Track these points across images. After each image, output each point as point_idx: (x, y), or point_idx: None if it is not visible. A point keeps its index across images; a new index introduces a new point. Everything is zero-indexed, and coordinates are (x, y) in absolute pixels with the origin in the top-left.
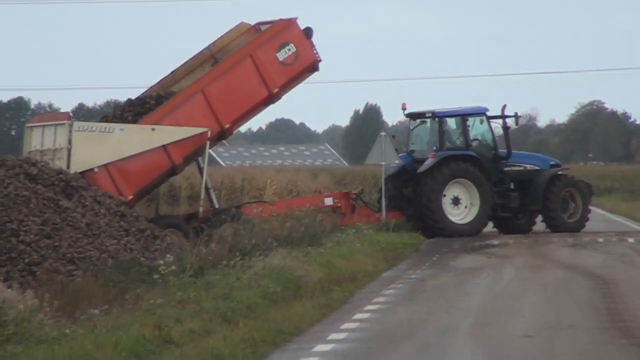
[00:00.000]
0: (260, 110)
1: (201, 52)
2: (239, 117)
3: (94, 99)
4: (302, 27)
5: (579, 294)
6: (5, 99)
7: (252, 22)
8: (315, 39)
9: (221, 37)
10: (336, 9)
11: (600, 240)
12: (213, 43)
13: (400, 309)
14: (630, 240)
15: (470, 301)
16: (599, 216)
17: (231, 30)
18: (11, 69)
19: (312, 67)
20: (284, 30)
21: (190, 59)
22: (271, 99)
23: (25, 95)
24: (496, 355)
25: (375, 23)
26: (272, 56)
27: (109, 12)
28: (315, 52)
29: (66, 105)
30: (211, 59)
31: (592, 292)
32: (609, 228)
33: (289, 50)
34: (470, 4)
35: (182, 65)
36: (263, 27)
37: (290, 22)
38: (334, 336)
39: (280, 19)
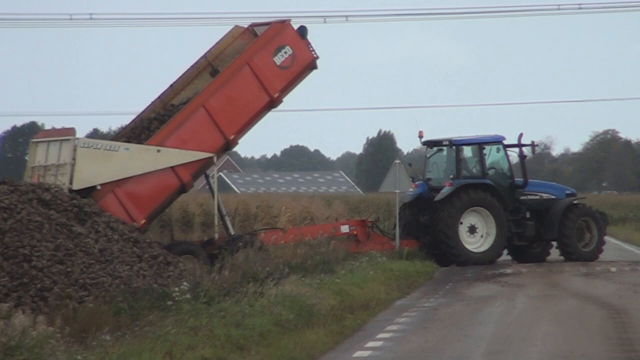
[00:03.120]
0: (264, 115)
1: (198, 61)
2: (243, 127)
3: (109, 124)
4: (296, 27)
5: (592, 324)
6: (19, 124)
7: (246, 25)
8: (330, 67)
9: (216, 43)
10: (350, 38)
11: (613, 269)
12: (209, 51)
13: (414, 337)
14: None
15: (483, 330)
16: (612, 245)
17: (225, 35)
18: (25, 94)
19: (311, 65)
20: (278, 33)
21: (188, 69)
22: (272, 103)
23: (39, 120)
24: None
25: (390, 52)
26: (269, 61)
27: (123, 39)
28: (312, 50)
29: (80, 130)
30: (208, 67)
31: (605, 322)
32: (622, 257)
33: (286, 53)
34: (486, 34)
35: (180, 77)
36: (257, 29)
37: (284, 25)
38: None
39: (274, 22)
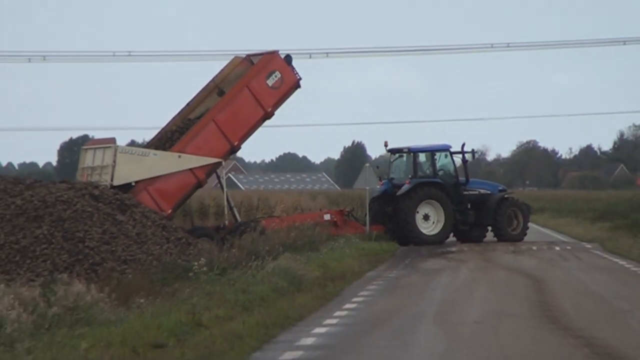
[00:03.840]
0: (260, 125)
1: (207, 84)
2: (244, 135)
3: (143, 136)
4: (283, 56)
5: (518, 290)
6: (74, 136)
7: (244, 55)
8: (315, 92)
9: (221, 70)
10: (331, 70)
11: (534, 248)
12: (216, 76)
13: (380, 300)
14: (557, 248)
15: (434, 295)
16: (533, 230)
17: (228, 63)
18: (79, 114)
19: (296, 85)
20: (269, 62)
21: (200, 91)
22: (267, 116)
23: (90, 133)
24: (454, 337)
25: (362, 80)
26: (263, 84)
27: (153, 70)
28: (296, 74)
29: (121, 141)
30: (216, 88)
31: (528, 288)
32: (541, 239)
33: (276, 76)
34: (438, 67)
35: (194, 97)
36: (253, 58)
37: (274, 55)
38: (328, 321)
39: (265, 54)
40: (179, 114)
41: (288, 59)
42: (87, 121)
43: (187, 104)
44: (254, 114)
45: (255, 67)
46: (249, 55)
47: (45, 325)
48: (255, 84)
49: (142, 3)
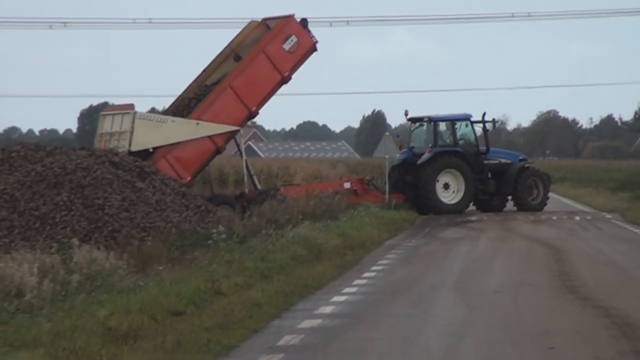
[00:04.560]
0: (277, 90)
1: (223, 50)
2: (262, 100)
3: (164, 104)
4: (298, 19)
5: (537, 259)
6: (95, 103)
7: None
8: (335, 59)
9: (237, 35)
10: (351, 38)
11: (554, 218)
12: (232, 41)
13: (399, 269)
14: (577, 218)
15: (453, 264)
16: (553, 199)
17: (243, 29)
18: (100, 81)
19: (312, 49)
20: (285, 26)
21: (216, 56)
22: (284, 80)
23: (110, 100)
24: (473, 306)
25: (383, 48)
26: (280, 48)
27: (172, 38)
28: (312, 37)
29: (141, 108)
30: (232, 53)
31: (547, 258)
32: (561, 209)
33: (292, 40)
34: (458, 35)
35: (210, 63)
36: (269, 22)
37: (290, 19)
38: (347, 290)
39: (282, 18)
40: (195, 80)
41: (304, 22)
42: (107, 88)
43: (204, 70)
44: (271, 79)
45: (271, 32)
46: (264, 20)
47: (63, 292)
48: (272, 48)
49: None
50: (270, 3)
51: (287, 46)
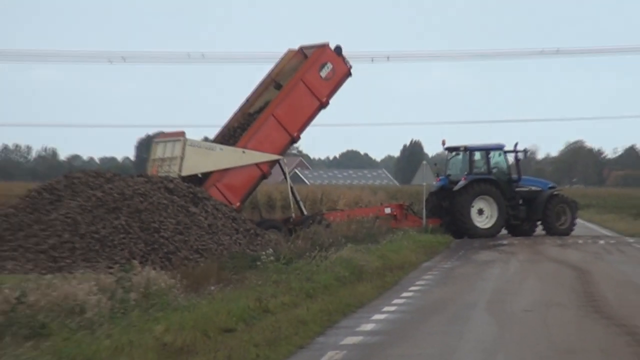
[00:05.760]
0: (316, 115)
1: (264, 79)
2: (302, 125)
3: (214, 133)
4: (333, 47)
5: (564, 280)
6: (150, 132)
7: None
8: (377, 92)
9: (276, 64)
10: (393, 71)
11: (580, 242)
12: (272, 70)
13: (436, 289)
14: (601, 242)
15: (486, 285)
16: (579, 224)
17: (282, 57)
18: (156, 112)
19: (347, 74)
20: (321, 55)
21: (258, 85)
22: (322, 106)
23: (165, 129)
24: (505, 325)
25: (421, 82)
26: (317, 76)
27: (223, 71)
28: (346, 63)
29: (194, 137)
30: (272, 82)
31: (574, 279)
32: (587, 233)
33: (328, 68)
34: (494, 71)
35: (252, 92)
36: (305, 50)
37: (325, 47)
38: (386, 308)
39: (317, 47)
40: (239, 109)
41: (338, 50)
42: (162, 119)
43: (247, 99)
44: (310, 105)
45: (308, 61)
46: (301, 48)
47: (122, 310)
48: (309, 76)
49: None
50: (315, 40)
51: (323, 73)
